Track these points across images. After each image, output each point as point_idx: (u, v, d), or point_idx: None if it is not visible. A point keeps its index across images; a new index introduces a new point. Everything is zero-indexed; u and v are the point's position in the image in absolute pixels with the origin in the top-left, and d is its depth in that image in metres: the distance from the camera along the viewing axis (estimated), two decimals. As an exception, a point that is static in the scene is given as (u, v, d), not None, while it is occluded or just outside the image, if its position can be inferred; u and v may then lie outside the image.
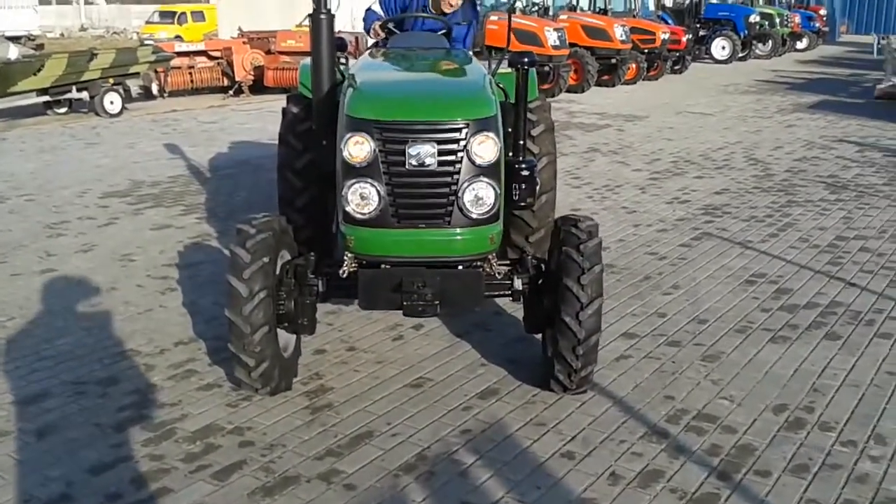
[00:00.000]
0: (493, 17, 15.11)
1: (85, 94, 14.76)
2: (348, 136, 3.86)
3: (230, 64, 18.09)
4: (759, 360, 4.85)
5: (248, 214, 7.83)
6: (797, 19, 33.25)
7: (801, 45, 34.41)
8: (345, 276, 4.13)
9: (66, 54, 14.04)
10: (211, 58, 18.51)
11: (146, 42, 17.25)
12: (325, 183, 5.36)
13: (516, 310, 5.33)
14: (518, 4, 19.65)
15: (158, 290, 6.06)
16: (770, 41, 30.31)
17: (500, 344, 5.05)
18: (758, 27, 29.14)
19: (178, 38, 27.51)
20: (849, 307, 5.70)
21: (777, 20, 30.45)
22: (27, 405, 4.34)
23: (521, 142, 4.54)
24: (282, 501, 3.51)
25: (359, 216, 3.90)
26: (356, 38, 13.55)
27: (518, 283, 4.33)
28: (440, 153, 3.84)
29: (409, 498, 3.54)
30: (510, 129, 4.51)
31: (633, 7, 22.09)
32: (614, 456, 3.84)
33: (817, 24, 36.49)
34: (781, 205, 8.54)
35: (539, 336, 4.62)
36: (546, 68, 16.61)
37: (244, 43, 18.51)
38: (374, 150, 3.84)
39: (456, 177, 3.87)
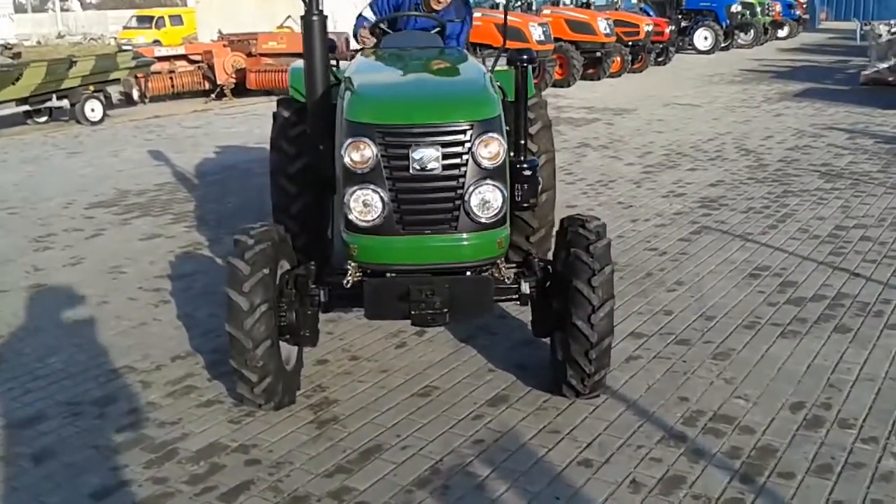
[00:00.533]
0: (477, 14, 14.97)
1: (65, 102, 14.56)
2: (349, 141, 3.72)
3: (211, 67, 17.91)
4: (770, 357, 4.76)
5: (239, 221, 7.78)
6: (778, 7, 33.33)
7: (782, 33, 34.50)
8: (349, 285, 3.99)
9: (46, 62, 13.81)
10: (191, 62, 18.33)
11: (124, 47, 16.99)
12: (321, 188, 5.24)
13: (520, 312, 5.24)
14: (501, 0, 19.56)
15: (151, 302, 5.90)
16: (752, 30, 30.36)
17: (506, 348, 4.94)
18: (739, 17, 29.18)
19: (156, 42, 27.24)
20: (856, 298, 5.61)
21: (758, 9, 30.53)
22: (22, 428, 4.19)
23: (522, 141, 4.42)
24: (293, 523, 3.39)
25: (362, 224, 3.77)
26: (345, 40, 13.42)
27: (525, 287, 4.20)
28: (445, 156, 3.72)
29: (424, 514, 3.43)
30: (508, 129, 4.38)
31: (615, 0, 22.04)
32: (633, 462, 3.73)
33: (798, 12, 36.60)
34: (778, 195, 8.46)
35: (547, 339, 4.51)
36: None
37: (225, 46, 18.34)
38: (377, 156, 3.71)
39: (462, 180, 3.74)
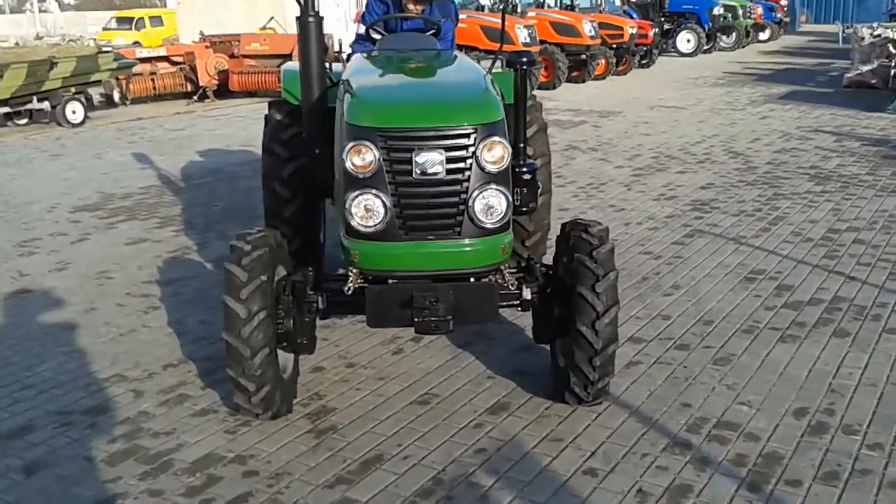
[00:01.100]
0: (462, 16, 14.94)
1: (46, 105, 14.36)
2: (350, 145, 3.64)
3: (193, 69, 17.75)
4: (771, 362, 4.72)
5: (227, 225, 7.74)
6: (759, 10, 33.46)
7: (763, 36, 34.64)
8: (350, 292, 3.91)
9: (26, 64, 13.62)
10: (173, 63, 18.14)
11: (104, 49, 16.80)
12: (314, 192, 5.16)
13: (517, 317, 5.18)
14: (485, 2, 19.54)
15: (140, 309, 5.79)
16: (734, 33, 30.45)
17: (504, 354, 4.87)
18: (721, 19, 29.25)
19: (136, 43, 26.96)
20: (852, 302, 5.59)
21: (740, 12, 30.61)
22: (11, 439, 4.08)
23: (521, 144, 4.37)
24: (295, 536, 3.31)
25: (363, 229, 3.69)
26: (339, 41, 13.28)
27: (527, 293, 4.14)
28: (448, 160, 3.65)
29: (429, 526, 3.36)
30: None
31: (599, 3, 22.06)
32: (639, 471, 3.67)
33: (779, 15, 36.78)
34: (768, 198, 8.46)
35: (547, 346, 4.45)
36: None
37: (207, 47, 18.17)
38: (379, 160, 3.63)
39: (465, 185, 3.67)
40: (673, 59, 27.13)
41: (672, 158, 10.69)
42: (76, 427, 4.18)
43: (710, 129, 13.03)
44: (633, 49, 22.14)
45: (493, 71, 4.76)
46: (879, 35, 17.70)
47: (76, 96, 14.68)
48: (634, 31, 21.57)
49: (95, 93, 15.97)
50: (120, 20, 33.95)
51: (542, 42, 18.17)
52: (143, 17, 33.36)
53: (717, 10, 28.56)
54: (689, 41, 28.09)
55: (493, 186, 3.69)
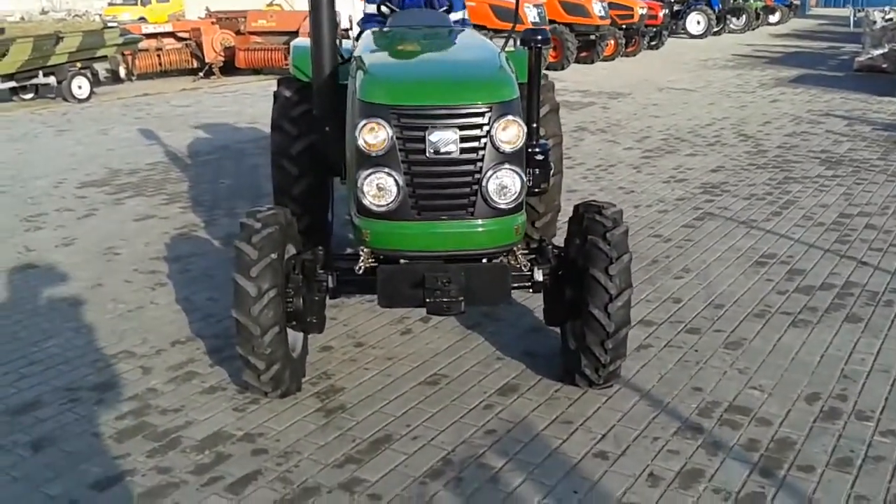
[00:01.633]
0: (471, -6, 14.82)
1: (52, 79, 14.29)
2: (363, 122, 3.58)
3: (199, 45, 17.64)
4: (783, 346, 4.69)
5: (234, 202, 7.70)
6: (770, -8, 33.21)
7: (773, 18, 34.39)
8: (360, 271, 3.88)
9: (32, 38, 13.54)
10: (179, 39, 18.04)
11: (110, 24, 16.70)
12: (323, 170, 5.12)
13: (526, 298, 5.14)
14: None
15: (148, 285, 5.77)
16: (744, 15, 30.24)
17: (514, 335, 4.84)
18: (732, 1, 29.05)
19: (142, 19, 26.81)
20: (864, 287, 5.55)
21: (750, -6, 30.40)
22: (19, 415, 4.07)
23: (534, 124, 4.31)
24: (304, 515, 3.29)
25: (375, 208, 3.64)
26: (349, 18, 13.19)
27: (539, 275, 4.09)
28: (462, 140, 3.59)
29: (439, 507, 3.34)
30: None
31: (609, -18, 21.84)
32: (650, 454, 3.65)
33: (789, -2, 36.48)
34: (779, 181, 8.39)
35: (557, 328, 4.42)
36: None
37: (213, 23, 18.07)
38: (392, 138, 3.57)
39: (479, 164, 3.62)
40: (683, 40, 26.95)
41: (682, 141, 10.61)
42: (84, 403, 4.16)
43: (720, 111, 12.94)
44: (643, 30, 21.97)
45: (507, 49, 4.70)
46: (891, 19, 17.56)
47: (82, 71, 14.61)
48: (644, 11, 21.39)
49: (101, 68, 15.88)
50: (126, -5, 33.71)
51: (551, 22, 18.01)
52: (149, -7, 33.15)
53: (728, -8, 28.32)
54: (699, 23, 27.88)
55: (508, 166, 3.64)
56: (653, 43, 23.49)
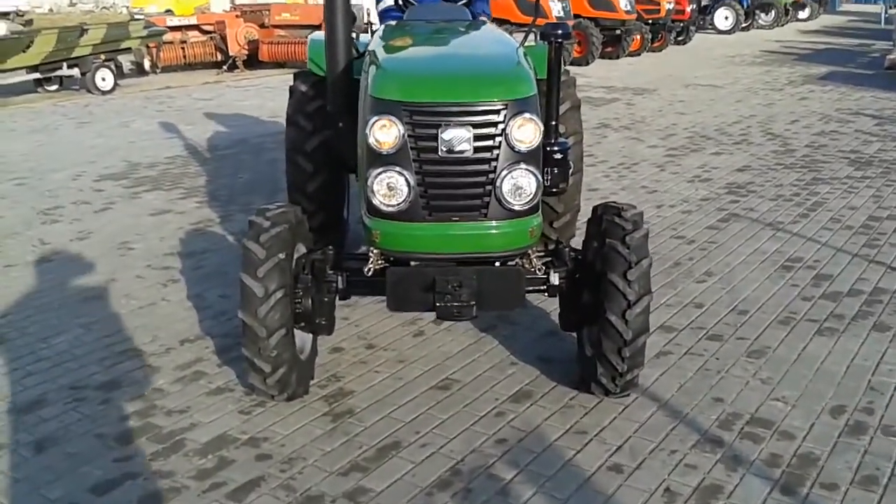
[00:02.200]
0: (497, -12, 14.65)
1: (76, 71, 14.34)
2: (374, 119, 3.47)
3: (223, 38, 17.64)
4: (808, 356, 4.52)
5: (251, 197, 7.62)
6: (799, -12, 32.73)
7: (803, 14, 33.89)
8: (370, 273, 3.77)
9: (56, 30, 13.58)
10: (204, 32, 18.04)
11: (136, 16, 16.75)
12: (339, 167, 5.02)
13: (542, 301, 5.01)
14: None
15: (160, 281, 5.70)
16: (773, 11, 29.82)
17: (529, 339, 4.72)
18: (761, -4, 28.65)
19: (168, 11, 26.84)
20: (894, 294, 5.36)
21: (780, -11, 29.95)
22: (23, 413, 4.00)
23: (553, 122, 4.15)
24: (306, 525, 3.19)
25: (386, 208, 3.52)
26: (367, 11, 13.12)
27: (555, 278, 3.96)
28: (476, 138, 3.46)
29: (446, 520, 3.22)
30: None
31: (636, -24, 21.58)
32: (666, 468, 3.51)
33: (819, -7, 35.96)
34: (807, 182, 8.18)
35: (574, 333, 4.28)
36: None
37: (237, 16, 18.05)
38: (403, 135, 3.45)
39: (493, 164, 3.49)
40: (710, 36, 26.61)
41: (707, 139, 10.41)
42: (89, 403, 4.09)
43: (748, 109, 12.70)
44: (670, 25, 21.71)
45: (527, 44, 4.56)
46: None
47: (106, 63, 14.64)
48: (672, 6, 21.13)
49: (126, 60, 15.91)
50: (153, -13, 33.81)
51: (575, 16, 17.82)
52: (175, -15, 33.21)
53: (757, -13, 27.93)
54: (727, 18, 27.52)
55: (523, 166, 3.51)
56: (680, 38, 23.21)
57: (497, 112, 3.47)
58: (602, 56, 18.91)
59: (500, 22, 14.63)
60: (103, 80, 14.55)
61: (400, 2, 5.12)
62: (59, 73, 14.34)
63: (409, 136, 3.46)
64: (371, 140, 3.47)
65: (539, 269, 3.88)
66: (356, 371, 4.39)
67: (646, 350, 3.88)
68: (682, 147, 9.91)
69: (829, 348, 4.61)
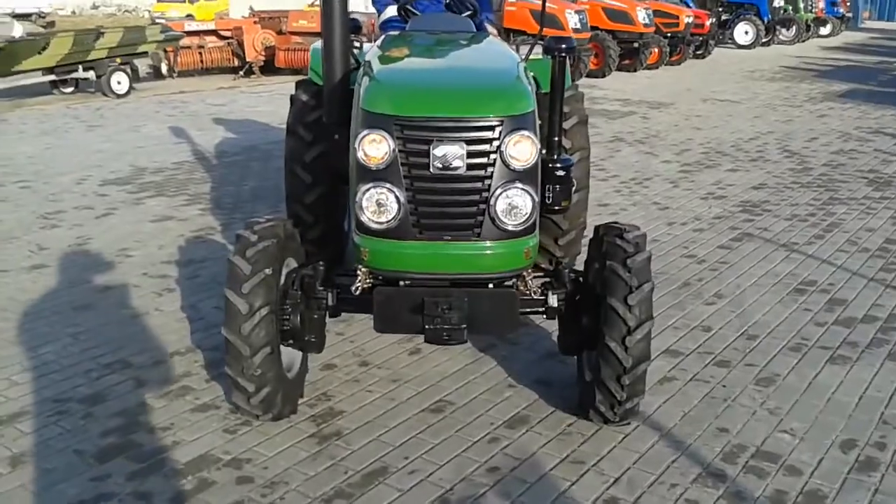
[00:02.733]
0: (512, -1, 14.57)
1: (91, 74, 14.32)
2: (364, 133, 3.33)
3: (241, 44, 17.62)
4: (818, 385, 4.34)
5: (256, 206, 7.50)
6: (821, 4, 32.47)
7: (824, 31, 33.63)
8: (357, 292, 3.62)
9: (72, 33, 13.58)
10: (221, 37, 18.04)
11: (157, 20, 16.76)
12: (336, 180, 4.88)
13: (544, 321, 4.81)
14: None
15: (155, 290, 5.58)
16: (794, 26, 29.58)
17: (528, 361, 4.56)
18: (782, 11, 28.42)
19: (189, 17, 26.95)
20: (911, 322, 5.18)
21: (801, 5, 29.73)
22: (3, 426, 3.88)
23: (556, 138, 4.00)
24: (283, 556, 3.05)
25: (375, 226, 3.38)
26: (372, 22, 13.04)
27: (553, 300, 3.81)
28: (469, 155, 3.31)
29: (429, 554, 3.07)
30: (540, 123, 3.97)
31: (655, -11, 21.43)
32: None
33: (841, 10, 35.65)
34: (824, 202, 7.99)
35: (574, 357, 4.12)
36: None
37: (255, 23, 18.05)
38: (394, 151, 3.31)
39: (487, 182, 3.34)
40: (729, 50, 26.40)
41: (723, 155, 10.22)
42: (70, 416, 3.97)
43: (765, 125, 12.50)
44: (689, 39, 21.53)
45: (532, 57, 4.42)
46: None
47: (122, 67, 14.61)
48: (691, 20, 20.95)
49: (143, 64, 15.90)
50: (174, -8, 33.96)
51: (593, 28, 17.67)
52: (196, -10, 33.36)
53: (778, 2, 27.76)
54: (747, 33, 27.31)
55: (519, 185, 3.35)
56: (699, 52, 23.01)
57: (492, 128, 3.33)
58: (619, 69, 18.75)
59: (517, 33, 14.51)
60: (119, 83, 14.52)
61: (403, 12, 4.98)
62: (74, 75, 14.33)
63: (400, 151, 3.32)
64: (360, 154, 3.33)
65: (534, 292, 3.72)
66: (348, 390, 4.25)
67: (647, 377, 3.71)
68: (696, 163, 9.73)
69: (841, 378, 4.43)
